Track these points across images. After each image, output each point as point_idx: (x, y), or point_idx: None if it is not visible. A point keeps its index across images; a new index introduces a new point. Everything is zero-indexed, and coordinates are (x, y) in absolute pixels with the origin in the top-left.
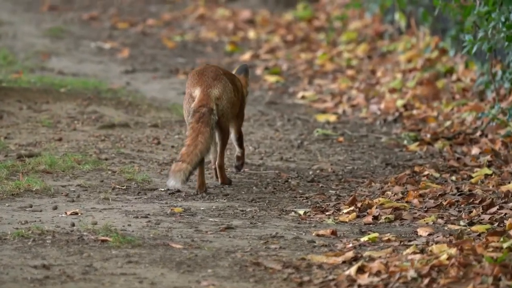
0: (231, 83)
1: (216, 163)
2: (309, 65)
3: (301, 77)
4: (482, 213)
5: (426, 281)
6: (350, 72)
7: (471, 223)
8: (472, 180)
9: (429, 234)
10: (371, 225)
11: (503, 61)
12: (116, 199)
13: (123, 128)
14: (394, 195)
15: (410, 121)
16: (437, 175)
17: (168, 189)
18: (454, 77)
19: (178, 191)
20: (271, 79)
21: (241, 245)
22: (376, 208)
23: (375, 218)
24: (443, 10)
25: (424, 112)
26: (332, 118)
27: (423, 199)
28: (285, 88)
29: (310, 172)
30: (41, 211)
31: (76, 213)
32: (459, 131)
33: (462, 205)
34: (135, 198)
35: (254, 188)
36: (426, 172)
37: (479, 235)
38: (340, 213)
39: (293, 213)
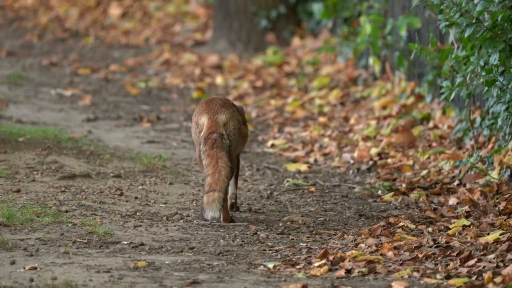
0: (238, 114)
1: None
2: (279, 112)
3: (271, 125)
4: (459, 266)
5: None
6: (322, 119)
7: (448, 277)
8: (450, 232)
9: None
10: (343, 279)
11: (482, 107)
12: (77, 253)
13: (85, 178)
14: (367, 248)
15: (384, 170)
16: (412, 226)
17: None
18: (430, 124)
19: (216, 220)
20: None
21: None
22: (349, 261)
23: (348, 271)
24: (419, 54)
25: (400, 161)
26: (303, 167)
27: (398, 251)
28: (254, 136)
29: (280, 224)
30: None
31: (35, 268)
32: (436, 181)
33: (439, 258)
34: (97, 252)
35: (221, 240)
36: (401, 224)
37: None
38: (311, 267)
39: (262, 267)
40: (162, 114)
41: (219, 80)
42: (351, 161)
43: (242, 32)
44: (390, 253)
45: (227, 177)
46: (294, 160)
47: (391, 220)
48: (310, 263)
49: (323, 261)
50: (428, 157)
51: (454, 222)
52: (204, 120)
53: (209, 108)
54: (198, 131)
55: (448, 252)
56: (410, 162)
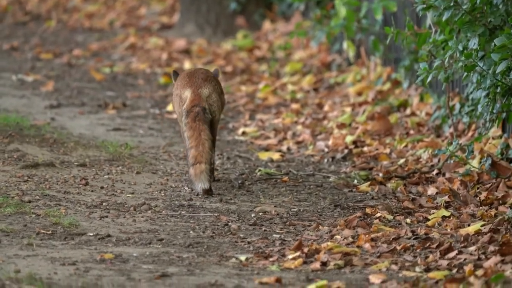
0: (219, 85)
1: None
2: (250, 99)
3: (241, 112)
4: (439, 258)
5: None
6: (295, 106)
7: (427, 269)
8: (429, 223)
9: (382, 282)
10: (319, 272)
11: (461, 93)
12: (41, 245)
13: (48, 167)
14: (343, 239)
15: (360, 158)
16: (390, 217)
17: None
18: (408, 111)
19: (209, 192)
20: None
21: None
22: (325, 253)
23: (324, 264)
24: (395, 39)
25: (376, 149)
26: (276, 155)
27: (376, 243)
28: (224, 124)
29: (252, 215)
30: None
31: None
32: (414, 170)
33: (418, 250)
34: (62, 244)
35: (191, 232)
36: (378, 214)
37: (436, 282)
38: (285, 259)
39: (234, 259)
40: (128, 100)
41: (187, 65)
42: (326, 150)
43: (211, 15)
44: (367, 245)
45: (211, 149)
46: (266, 149)
47: (368, 210)
48: (284, 255)
49: (298, 253)
50: (406, 145)
51: (433, 213)
52: (187, 94)
53: (192, 82)
54: (181, 104)
55: (428, 244)
56: (387, 150)
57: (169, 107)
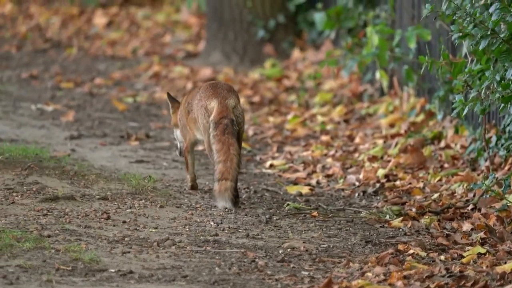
0: (239, 97)
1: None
2: (278, 130)
3: (269, 144)
4: None
5: None
6: (324, 137)
7: None
8: (464, 260)
9: None
10: None
11: (497, 126)
12: (61, 282)
13: (68, 201)
14: (375, 277)
15: (392, 193)
16: (423, 254)
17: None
18: (442, 143)
19: (230, 210)
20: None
21: None
22: None
23: None
24: (429, 68)
25: (409, 183)
26: (305, 189)
27: (408, 281)
28: (251, 156)
29: (280, 251)
30: None
31: None
32: (448, 205)
33: None
34: (82, 281)
35: (216, 268)
36: (411, 251)
37: None
38: None
39: None
40: (151, 131)
41: None
42: (357, 183)
43: (238, 43)
44: (399, 283)
45: (238, 165)
46: (295, 182)
47: (400, 247)
48: None
49: None
50: (440, 179)
51: (468, 250)
52: (214, 104)
53: (217, 93)
54: (207, 115)
55: (462, 282)
56: (421, 184)
57: (172, 121)
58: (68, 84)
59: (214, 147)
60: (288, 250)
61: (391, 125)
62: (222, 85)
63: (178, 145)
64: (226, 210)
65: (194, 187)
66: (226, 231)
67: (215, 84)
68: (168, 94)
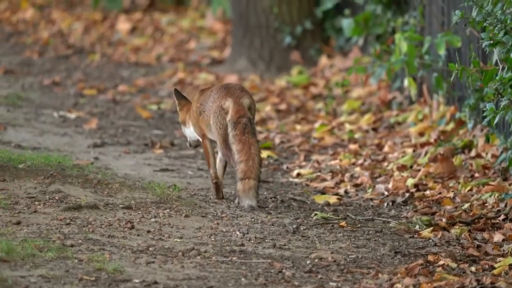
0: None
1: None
2: (305, 139)
3: (296, 152)
4: None
5: None
6: (352, 146)
7: None
8: (495, 271)
9: None
10: None
11: None
12: None
13: (91, 210)
14: None
15: (422, 203)
16: (454, 265)
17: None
18: (473, 152)
19: (253, 208)
20: (262, 154)
21: None
22: None
23: None
24: (459, 76)
25: (439, 193)
26: (333, 199)
27: None
28: (278, 165)
29: (308, 262)
30: None
31: None
32: (479, 215)
33: None
34: None
35: (242, 279)
36: (441, 262)
37: None
38: None
39: None
40: (176, 139)
41: None
42: (386, 193)
43: (264, 50)
44: None
45: (260, 164)
46: (323, 191)
47: (430, 258)
48: None
49: None
50: (471, 189)
51: (499, 261)
52: (229, 104)
53: (231, 92)
54: (224, 113)
55: None
56: (451, 194)
57: (180, 118)
58: (91, 91)
59: (235, 147)
60: (316, 260)
61: (421, 134)
62: (235, 86)
63: (188, 139)
64: (253, 219)
65: (218, 185)
66: (252, 241)
67: (227, 85)
68: (176, 91)
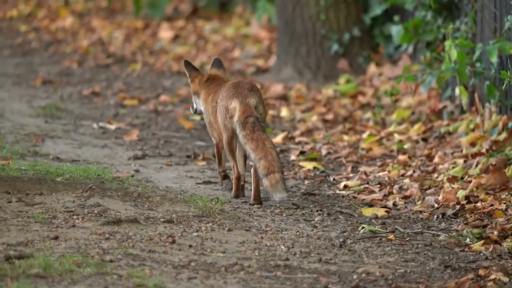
0: (262, 95)
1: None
2: (353, 149)
3: (343, 164)
4: None
5: None
6: (402, 157)
7: None
8: None
9: None
10: None
11: None
12: None
13: (132, 224)
14: None
15: (473, 215)
16: (506, 279)
17: None
18: None
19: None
20: (308, 165)
21: None
22: None
23: None
24: None
25: (491, 205)
26: (381, 212)
27: None
28: (325, 177)
29: (355, 276)
30: None
31: None
32: None
33: None
34: None
35: None
36: (492, 276)
37: None
38: None
39: None
40: None
41: (284, 112)
42: (435, 205)
43: (311, 58)
44: None
45: (278, 157)
46: (370, 204)
47: (481, 272)
48: None
49: None
50: None
51: None
52: (235, 104)
53: (238, 92)
54: (228, 116)
55: None
56: (503, 206)
57: (192, 89)
58: (132, 102)
59: (249, 146)
60: (363, 275)
61: (472, 144)
62: (244, 85)
63: (194, 106)
64: (298, 233)
65: (237, 180)
66: (297, 256)
67: (237, 83)
68: (186, 62)
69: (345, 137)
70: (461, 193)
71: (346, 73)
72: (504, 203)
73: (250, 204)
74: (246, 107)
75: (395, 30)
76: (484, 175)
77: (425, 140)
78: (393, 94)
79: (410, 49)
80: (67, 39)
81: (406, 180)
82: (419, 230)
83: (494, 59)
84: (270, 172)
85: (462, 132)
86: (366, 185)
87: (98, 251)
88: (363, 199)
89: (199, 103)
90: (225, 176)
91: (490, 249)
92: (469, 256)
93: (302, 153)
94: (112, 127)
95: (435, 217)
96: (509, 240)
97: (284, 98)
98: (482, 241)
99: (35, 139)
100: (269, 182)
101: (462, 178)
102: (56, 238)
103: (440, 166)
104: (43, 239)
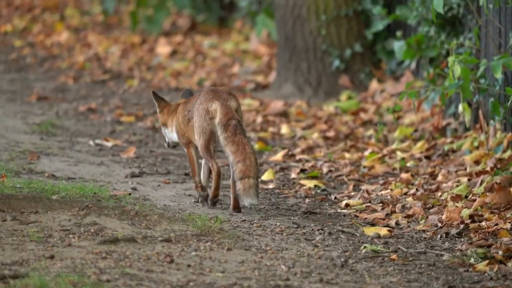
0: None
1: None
2: (354, 167)
3: (345, 182)
4: None
5: None
6: (404, 175)
7: None
8: None
9: None
10: None
11: None
12: None
13: (129, 243)
14: None
15: (478, 235)
16: None
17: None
18: None
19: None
20: (309, 184)
21: None
22: None
23: None
24: None
25: (495, 224)
26: (383, 231)
27: None
28: (326, 195)
29: None
30: None
31: None
32: None
33: None
34: None
35: None
36: None
37: None
38: None
39: None
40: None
41: (284, 129)
42: (439, 224)
43: (311, 74)
44: None
45: (257, 163)
46: (372, 223)
47: None
48: None
49: None
50: None
51: None
52: (216, 106)
53: (218, 96)
54: (208, 117)
55: None
56: (508, 225)
57: (160, 120)
58: (129, 118)
59: (229, 149)
60: None
61: (476, 162)
62: (222, 90)
63: (166, 140)
64: (299, 252)
65: (205, 190)
66: (298, 275)
67: (214, 89)
68: (154, 93)
69: (347, 155)
70: (465, 212)
71: (347, 89)
72: (509, 222)
73: (229, 214)
74: (228, 109)
75: (398, 45)
76: (489, 193)
77: (428, 158)
78: (396, 111)
79: (413, 65)
80: (62, 55)
81: (409, 199)
82: (422, 249)
83: (499, 75)
84: (245, 177)
85: (466, 149)
86: (368, 204)
87: (95, 270)
88: (365, 218)
89: (168, 132)
90: (203, 188)
91: (495, 269)
92: (474, 277)
93: (302, 171)
94: (109, 144)
95: (439, 236)
96: None
97: (284, 115)
98: (487, 261)
99: (30, 157)
100: (243, 186)
101: (466, 196)
102: (51, 257)
103: (444, 185)
104: (39, 258)
